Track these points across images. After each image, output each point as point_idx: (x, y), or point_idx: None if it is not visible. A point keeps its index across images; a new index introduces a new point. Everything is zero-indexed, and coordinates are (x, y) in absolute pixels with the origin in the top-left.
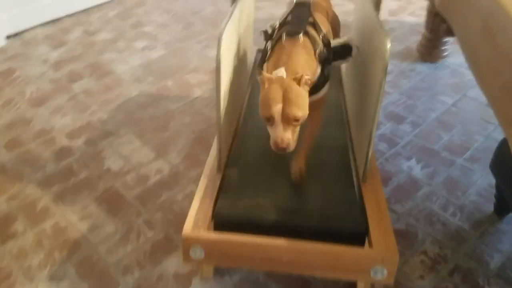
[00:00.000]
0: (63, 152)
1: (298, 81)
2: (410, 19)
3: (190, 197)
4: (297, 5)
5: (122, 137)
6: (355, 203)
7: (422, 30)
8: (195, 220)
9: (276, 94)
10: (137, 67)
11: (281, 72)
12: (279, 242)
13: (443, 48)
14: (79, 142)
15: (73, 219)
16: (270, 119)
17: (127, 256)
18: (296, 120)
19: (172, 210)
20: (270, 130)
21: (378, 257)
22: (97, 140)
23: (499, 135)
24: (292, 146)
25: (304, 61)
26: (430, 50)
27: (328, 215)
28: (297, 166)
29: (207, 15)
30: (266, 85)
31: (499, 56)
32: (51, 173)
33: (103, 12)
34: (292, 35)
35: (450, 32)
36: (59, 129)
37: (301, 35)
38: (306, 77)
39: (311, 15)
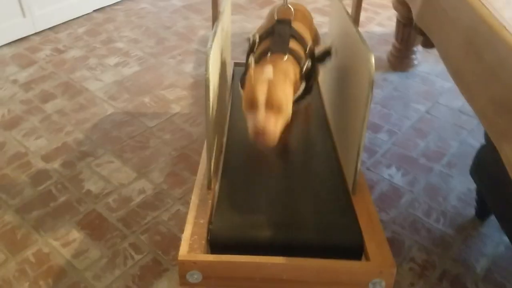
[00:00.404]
0: (40, 176)
1: (284, 76)
2: (378, 29)
3: (176, 216)
4: (278, 21)
5: (101, 158)
6: (348, 216)
7: (391, 40)
8: (190, 243)
9: (263, 79)
10: (111, 84)
11: (268, 69)
12: (279, 260)
13: (413, 57)
14: (56, 165)
15: (56, 245)
16: (253, 103)
17: (115, 281)
18: (279, 107)
19: (159, 231)
20: (251, 118)
21: (376, 270)
22: (74, 161)
23: (473, 141)
24: (272, 138)
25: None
26: (400, 60)
27: (323, 230)
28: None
29: (179, 30)
30: (252, 74)
31: (485, 71)
32: (29, 198)
33: (71, 29)
34: (276, 53)
35: (426, 44)
36: (34, 152)
37: (286, 56)
38: (291, 76)
39: (293, 31)
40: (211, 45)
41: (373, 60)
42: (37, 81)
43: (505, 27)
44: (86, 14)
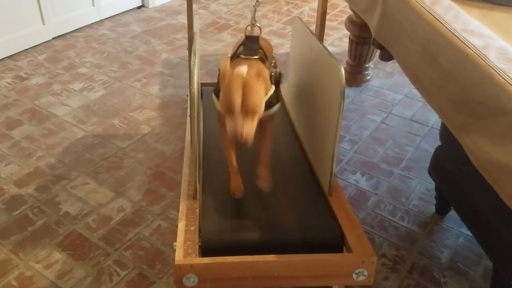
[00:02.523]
0: (14, 201)
1: (257, 76)
2: (331, 49)
3: (158, 231)
4: (247, 38)
5: (75, 180)
6: (327, 214)
7: (343, 58)
8: (185, 248)
9: (237, 86)
10: (78, 109)
11: (243, 69)
12: (269, 258)
13: (366, 73)
14: (30, 190)
15: (38, 267)
16: (230, 110)
17: None
18: (254, 112)
19: (142, 247)
20: (229, 123)
21: (358, 261)
22: (49, 185)
23: (427, 146)
24: (250, 139)
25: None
26: (354, 76)
27: (306, 229)
28: (264, 176)
29: (141, 54)
30: (228, 79)
31: (442, 75)
32: (5, 224)
33: (31, 57)
34: (249, 55)
35: (384, 57)
36: (6, 178)
37: (257, 57)
38: (265, 75)
39: (260, 46)
40: (195, 62)
41: (343, 71)
42: (1, 109)
43: (457, 37)
44: (45, 41)
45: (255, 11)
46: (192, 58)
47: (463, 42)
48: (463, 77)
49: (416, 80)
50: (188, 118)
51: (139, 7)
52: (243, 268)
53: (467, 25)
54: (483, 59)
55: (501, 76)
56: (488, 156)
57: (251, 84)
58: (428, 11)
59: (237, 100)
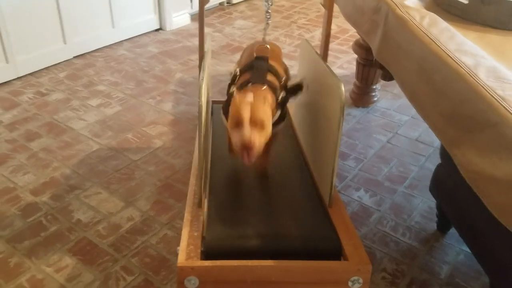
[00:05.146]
0: (29, 209)
1: (263, 100)
2: (340, 71)
3: (164, 240)
4: (257, 58)
5: (88, 190)
6: (326, 224)
7: (351, 80)
8: (187, 252)
9: (246, 103)
10: (94, 123)
11: (249, 96)
12: (268, 263)
13: (372, 94)
14: (44, 198)
15: (49, 271)
16: (239, 122)
17: None
18: (262, 124)
19: (148, 254)
20: (236, 136)
21: (354, 268)
22: (63, 194)
23: (431, 165)
24: (257, 149)
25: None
26: (361, 97)
27: (305, 238)
28: (261, 163)
29: (157, 73)
30: (237, 98)
31: (435, 91)
32: (19, 229)
33: (52, 74)
34: (256, 83)
35: (385, 77)
36: (23, 186)
37: (264, 86)
38: (269, 99)
39: (270, 65)
40: (203, 77)
41: (343, 88)
42: (21, 122)
43: (450, 56)
44: (66, 60)
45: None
46: (201, 74)
47: (456, 61)
48: (454, 93)
49: (412, 97)
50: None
51: (157, 30)
52: (242, 272)
53: (461, 45)
54: (473, 77)
55: (488, 92)
56: (475, 167)
57: (258, 105)
58: (425, 33)
59: (246, 114)
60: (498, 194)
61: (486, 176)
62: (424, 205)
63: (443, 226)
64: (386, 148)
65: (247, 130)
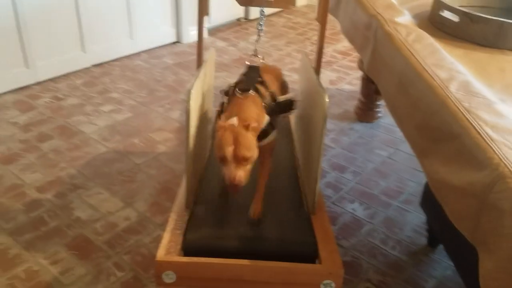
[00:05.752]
0: (33, 204)
1: (247, 127)
2: (348, 87)
3: (157, 240)
4: (249, 68)
5: (91, 190)
6: (306, 230)
7: (358, 96)
8: (167, 248)
9: (228, 138)
10: (104, 128)
11: (234, 120)
12: (242, 262)
13: (376, 110)
14: (49, 195)
15: (45, 263)
16: (223, 159)
17: None
18: (246, 159)
19: (140, 253)
20: (224, 169)
21: (326, 272)
22: (66, 192)
23: None
24: (243, 183)
25: (253, 112)
26: (365, 112)
27: (284, 241)
28: (255, 209)
29: (169, 83)
30: (220, 132)
31: (411, 104)
32: (22, 223)
33: (70, 80)
34: (244, 90)
35: (378, 92)
36: (30, 183)
37: (251, 91)
38: (253, 124)
39: (260, 75)
40: (193, 83)
41: (326, 98)
42: (35, 124)
43: (426, 70)
44: (84, 68)
45: (258, 37)
46: (193, 79)
47: (430, 75)
48: (426, 105)
49: (392, 110)
50: None
51: (174, 43)
52: (217, 270)
53: (441, 61)
54: (443, 90)
55: (455, 104)
56: (439, 176)
57: (241, 133)
58: (407, 47)
59: (229, 152)
60: (455, 202)
61: (447, 185)
62: (417, 220)
63: (433, 241)
64: (386, 163)
65: (231, 168)
